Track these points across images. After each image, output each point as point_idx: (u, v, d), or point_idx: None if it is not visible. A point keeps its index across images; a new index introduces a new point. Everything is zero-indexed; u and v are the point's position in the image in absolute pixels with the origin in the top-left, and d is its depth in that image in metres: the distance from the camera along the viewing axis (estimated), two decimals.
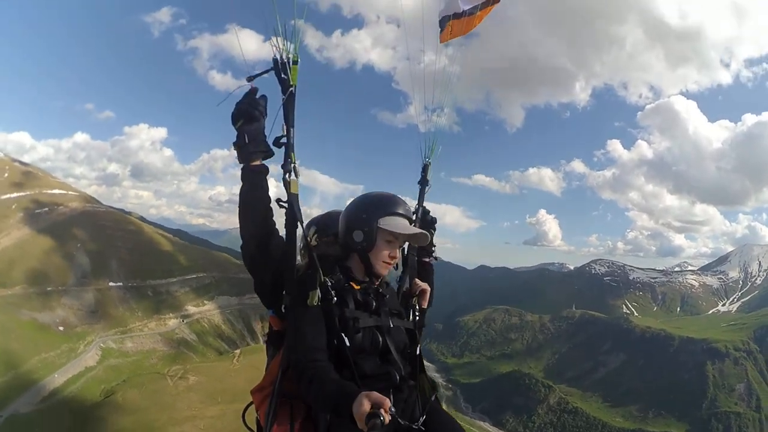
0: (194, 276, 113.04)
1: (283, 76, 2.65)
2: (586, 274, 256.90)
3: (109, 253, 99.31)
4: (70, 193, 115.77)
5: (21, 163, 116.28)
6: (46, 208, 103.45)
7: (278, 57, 2.66)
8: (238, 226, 2.60)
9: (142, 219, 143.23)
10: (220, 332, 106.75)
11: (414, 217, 3.19)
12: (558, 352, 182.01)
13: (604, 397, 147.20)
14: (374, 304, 2.56)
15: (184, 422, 44.77)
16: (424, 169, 3.70)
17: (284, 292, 2.58)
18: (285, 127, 2.63)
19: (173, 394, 52.28)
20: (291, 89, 2.63)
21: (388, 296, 2.71)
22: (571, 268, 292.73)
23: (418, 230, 2.68)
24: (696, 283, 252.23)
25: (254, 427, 2.77)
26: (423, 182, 3.66)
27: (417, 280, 3.06)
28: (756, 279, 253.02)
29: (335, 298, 2.42)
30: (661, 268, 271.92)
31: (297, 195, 2.61)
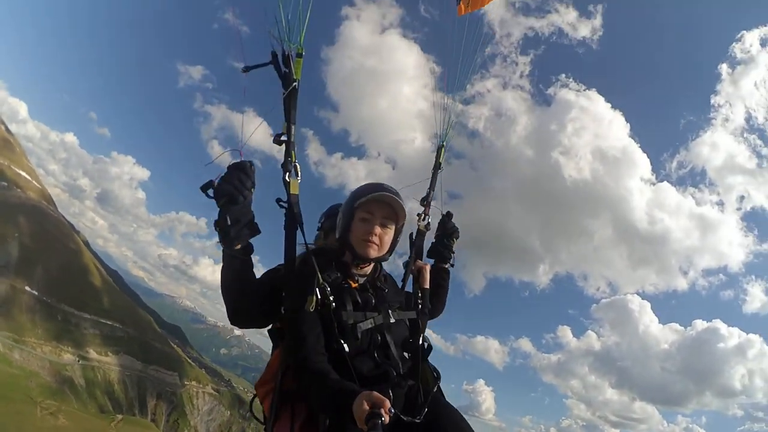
0: (110, 323, 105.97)
1: (284, 69, 2.52)
2: None
3: (40, 258, 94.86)
4: (33, 182, 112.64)
5: (7, 129, 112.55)
6: (5, 183, 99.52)
7: (280, 49, 2.53)
8: (223, 299, 2.52)
9: (86, 244, 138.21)
10: (110, 390, 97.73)
11: (426, 203, 3.52)
12: None
13: None
14: (373, 301, 2.53)
15: None
16: (438, 151, 3.70)
17: (283, 294, 2.50)
18: (286, 124, 2.52)
19: (37, 426, 47.22)
20: (294, 84, 2.51)
21: (387, 290, 2.66)
22: None
23: (381, 193, 2.53)
24: None
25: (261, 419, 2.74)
26: (436, 166, 3.66)
27: (418, 260, 3.05)
28: None
29: (333, 304, 2.37)
30: None
31: (297, 196, 2.53)
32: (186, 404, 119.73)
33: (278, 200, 2.53)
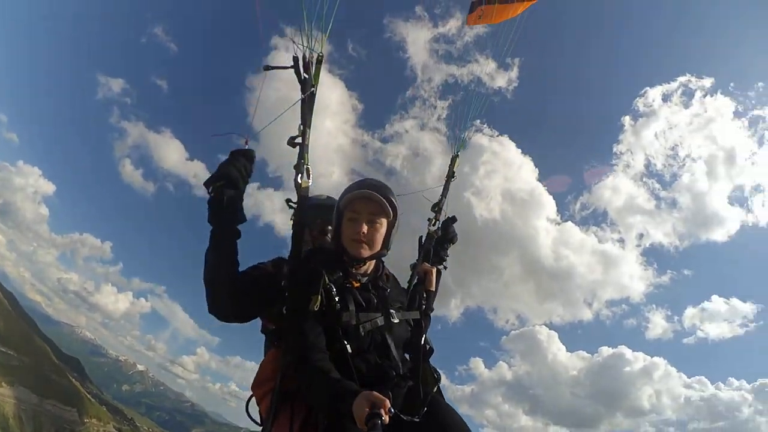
0: (3, 349, 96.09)
1: (304, 75, 2.63)
2: None
3: None
4: None
5: None
6: None
7: (302, 54, 2.63)
8: (205, 281, 2.55)
9: None
10: (4, 425, 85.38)
11: (437, 209, 3.65)
12: None
13: None
14: (375, 301, 2.53)
15: None
16: (452, 161, 3.87)
17: (286, 293, 2.53)
18: (301, 127, 2.61)
19: None
20: (313, 89, 2.62)
21: (389, 290, 2.64)
22: None
23: (360, 191, 2.51)
24: None
25: (258, 420, 2.72)
26: (450, 175, 3.83)
27: (425, 263, 3.13)
28: None
29: (338, 305, 2.37)
30: None
31: (306, 197, 2.63)
32: None
33: (288, 200, 2.65)
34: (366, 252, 2.52)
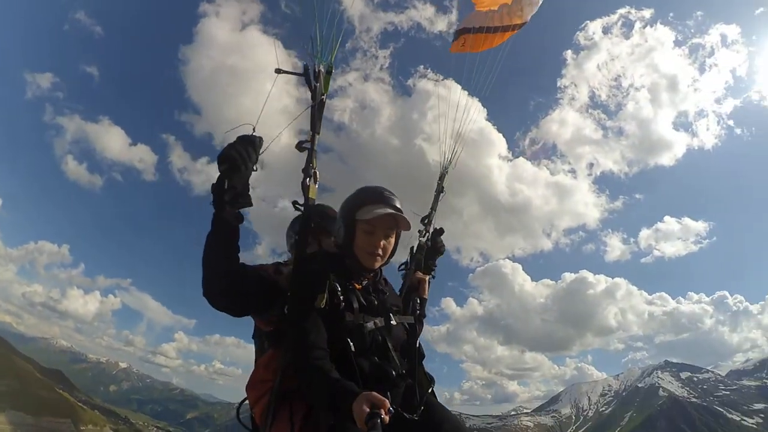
0: None
1: (315, 84, 2.76)
2: None
3: None
4: None
5: None
6: None
7: (312, 64, 2.73)
8: (203, 267, 2.46)
9: None
10: None
11: (427, 222, 3.74)
12: None
13: None
14: (376, 303, 2.58)
15: None
16: (441, 177, 3.91)
17: (288, 294, 2.53)
18: (311, 133, 2.73)
19: None
20: (323, 98, 2.77)
21: (388, 293, 2.73)
22: None
23: (387, 210, 2.49)
24: (531, 424, 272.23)
25: (249, 425, 2.79)
26: (439, 190, 3.90)
27: (418, 272, 3.20)
28: (587, 412, 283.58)
29: (343, 303, 2.42)
30: (497, 414, 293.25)
31: (314, 200, 2.72)
32: None
33: (295, 202, 2.66)
34: (379, 264, 2.60)
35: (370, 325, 2.46)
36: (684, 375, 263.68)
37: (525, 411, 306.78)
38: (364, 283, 2.64)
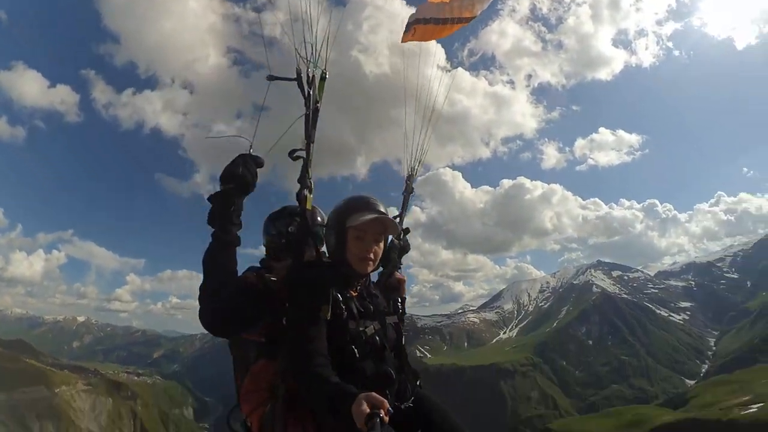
0: None
1: (308, 90, 2.66)
2: None
3: None
4: None
5: None
6: None
7: (305, 69, 2.65)
8: (200, 293, 2.52)
9: None
10: None
11: (399, 222, 3.67)
12: None
13: None
14: (371, 308, 2.67)
15: None
16: (409, 177, 3.84)
17: (287, 304, 2.54)
18: (305, 142, 2.65)
19: None
20: (317, 105, 2.68)
21: (378, 297, 2.82)
22: None
23: (373, 216, 2.54)
24: (477, 320, 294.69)
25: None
26: (408, 190, 3.83)
27: (396, 273, 3.22)
28: (528, 307, 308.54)
29: (345, 313, 2.50)
30: (445, 313, 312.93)
31: (311, 210, 2.75)
32: (68, 411, 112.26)
33: (289, 212, 2.77)
34: (371, 268, 2.68)
35: (369, 330, 2.56)
36: (615, 273, 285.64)
37: (471, 308, 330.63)
38: (359, 289, 2.72)
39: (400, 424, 2.46)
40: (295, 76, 2.67)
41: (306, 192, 2.67)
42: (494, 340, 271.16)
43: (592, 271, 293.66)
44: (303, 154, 2.69)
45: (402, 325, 2.90)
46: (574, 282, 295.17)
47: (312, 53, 2.68)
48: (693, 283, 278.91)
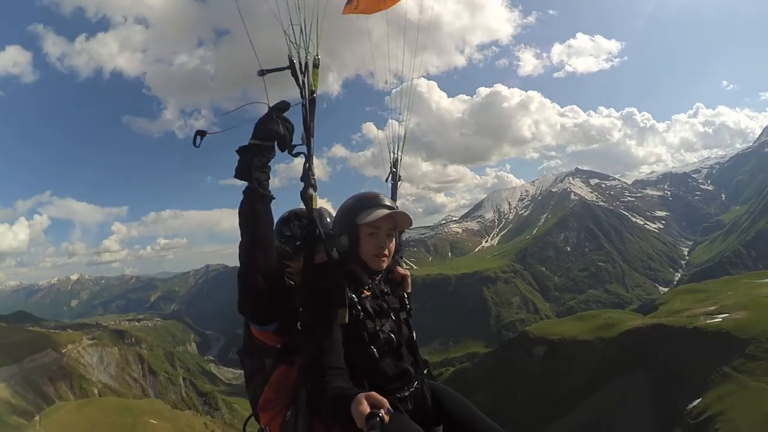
0: None
1: (303, 79, 2.49)
2: None
3: None
4: None
5: None
6: None
7: (298, 57, 2.48)
8: (240, 254, 2.44)
9: None
10: (12, 407, 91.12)
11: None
12: None
13: None
14: (385, 306, 2.64)
15: None
16: (395, 163, 3.68)
17: (301, 309, 2.47)
18: (305, 136, 2.47)
19: None
20: (314, 95, 2.50)
21: (390, 294, 2.77)
22: None
23: (386, 211, 2.54)
24: (460, 230, 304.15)
25: None
26: (395, 177, 3.68)
27: (398, 267, 3.07)
28: (508, 216, 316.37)
29: (362, 314, 2.46)
30: (429, 225, 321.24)
31: (318, 209, 2.60)
32: (77, 368, 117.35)
33: (297, 216, 2.68)
34: (386, 264, 2.65)
35: (386, 328, 2.56)
36: (593, 181, 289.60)
37: (453, 219, 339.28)
38: (371, 287, 2.68)
39: (420, 420, 2.46)
40: (288, 65, 2.49)
41: (311, 191, 2.52)
42: (477, 249, 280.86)
43: (571, 179, 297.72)
44: (304, 149, 2.50)
45: (410, 320, 2.86)
46: (553, 190, 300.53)
47: (302, 37, 2.44)
48: (669, 193, 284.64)
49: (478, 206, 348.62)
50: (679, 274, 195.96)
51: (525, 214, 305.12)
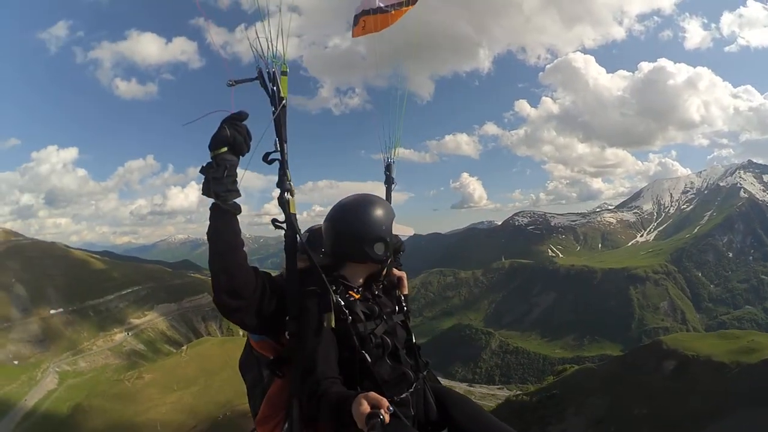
0: (130, 290, 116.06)
1: (272, 87, 2.52)
2: (510, 227, 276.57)
3: (43, 283, 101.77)
4: None
5: None
6: None
7: (265, 67, 2.53)
8: (210, 268, 2.30)
9: (67, 247, 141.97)
10: (167, 337, 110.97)
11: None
12: (494, 301, 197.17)
13: (542, 334, 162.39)
14: (377, 309, 2.59)
15: (148, 411, 53.20)
16: (388, 168, 3.76)
17: (288, 318, 2.43)
18: (278, 142, 2.51)
19: (133, 393, 59.86)
20: (284, 102, 2.53)
21: (382, 297, 2.73)
22: (500, 224, 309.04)
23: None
24: (614, 220, 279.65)
25: None
26: (389, 181, 3.75)
27: (394, 269, 3.06)
28: (669, 209, 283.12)
29: (350, 318, 2.41)
30: (581, 212, 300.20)
31: (295, 215, 2.54)
32: None
33: (274, 221, 2.53)
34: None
35: (378, 331, 2.50)
36: (767, 178, 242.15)
37: (608, 208, 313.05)
38: (361, 290, 2.64)
39: (423, 425, 2.52)
40: (256, 76, 2.52)
41: (288, 195, 2.53)
42: (630, 243, 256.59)
43: (741, 172, 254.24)
44: (278, 156, 2.52)
45: (409, 323, 2.82)
46: (721, 184, 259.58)
47: (269, 49, 2.53)
48: None
49: (637, 195, 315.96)
50: None
51: (687, 209, 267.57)
